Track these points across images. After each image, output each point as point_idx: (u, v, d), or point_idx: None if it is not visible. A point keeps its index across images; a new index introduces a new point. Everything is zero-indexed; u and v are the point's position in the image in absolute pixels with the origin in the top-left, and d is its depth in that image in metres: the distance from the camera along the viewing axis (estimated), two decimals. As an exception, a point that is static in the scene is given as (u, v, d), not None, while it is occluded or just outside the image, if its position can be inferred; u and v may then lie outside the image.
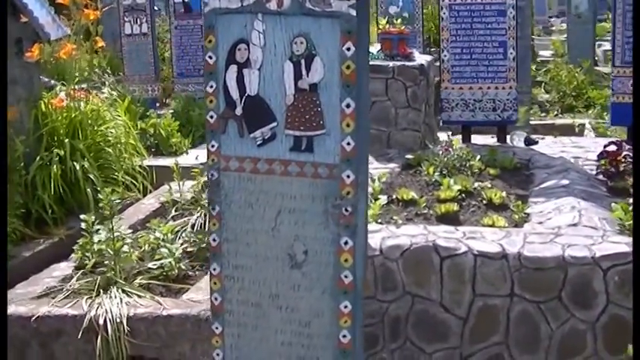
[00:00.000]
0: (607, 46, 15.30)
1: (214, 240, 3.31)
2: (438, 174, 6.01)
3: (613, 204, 5.04)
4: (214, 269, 3.33)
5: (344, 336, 3.18)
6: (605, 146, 6.07)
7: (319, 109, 3.07)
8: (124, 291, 5.20)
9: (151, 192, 7.50)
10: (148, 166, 7.74)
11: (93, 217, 5.98)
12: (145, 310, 4.95)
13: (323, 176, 3.10)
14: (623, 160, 5.74)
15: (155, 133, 8.65)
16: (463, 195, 5.49)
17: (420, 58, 7.35)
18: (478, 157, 6.25)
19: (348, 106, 3.03)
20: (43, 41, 7.34)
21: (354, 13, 2.97)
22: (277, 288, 3.25)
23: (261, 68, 3.14)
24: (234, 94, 3.18)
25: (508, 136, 7.53)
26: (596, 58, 15.01)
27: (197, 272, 5.65)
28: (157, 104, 11.05)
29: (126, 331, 4.85)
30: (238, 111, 3.19)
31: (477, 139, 7.56)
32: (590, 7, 14.66)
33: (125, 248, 5.65)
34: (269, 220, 3.21)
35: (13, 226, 6.34)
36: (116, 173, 7.41)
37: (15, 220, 6.36)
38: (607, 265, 4.31)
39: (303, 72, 3.08)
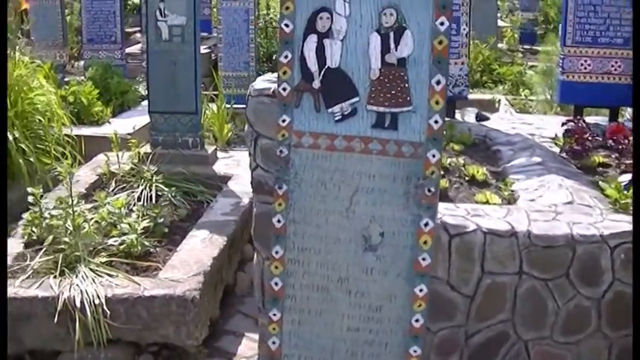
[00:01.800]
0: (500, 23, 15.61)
1: (279, 221, 3.11)
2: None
3: (601, 182, 5.07)
4: (276, 252, 3.14)
5: (416, 320, 3.08)
6: (563, 124, 6.12)
7: (406, 84, 2.93)
8: (92, 270, 4.91)
9: (80, 163, 7.14)
10: (75, 135, 7.37)
11: (41, 190, 5.67)
12: (124, 290, 4.70)
13: (406, 155, 2.97)
14: (589, 138, 5.79)
15: (75, 102, 8.24)
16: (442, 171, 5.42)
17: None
18: (438, 132, 6.17)
19: (438, 82, 2.91)
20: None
21: (449, -14, 2.84)
22: (347, 271, 3.10)
23: (344, 39, 2.96)
24: (313, 65, 3.00)
25: (458, 112, 7.50)
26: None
27: (158, 249, 5.41)
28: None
29: (105, 313, 4.58)
30: (316, 84, 3.01)
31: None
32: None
33: (84, 224, 5.38)
34: (343, 200, 3.06)
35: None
36: (46, 143, 7.03)
37: None
38: (614, 243, 4.30)
39: (392, 45, 2.93)
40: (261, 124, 4.25)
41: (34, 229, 5.53)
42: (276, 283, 3.18)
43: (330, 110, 3.01)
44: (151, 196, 6.19)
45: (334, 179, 3.04)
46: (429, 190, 2.96)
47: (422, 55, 2.90)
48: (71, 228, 5.28)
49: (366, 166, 3.01)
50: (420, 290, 3.04)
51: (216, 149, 7.25)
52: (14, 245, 5.43)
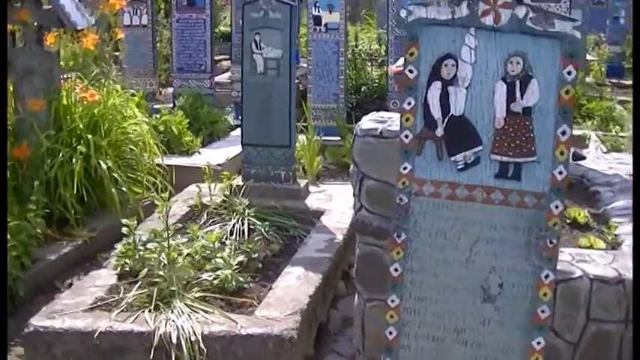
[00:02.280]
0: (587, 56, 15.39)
1: (396, 270, 3.06)
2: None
3: None
4: (392, 301, 3.09)
5: (532, 373, 2.98)
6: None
7: (531, 134, 2.87)
8: (188, 305, 4.89)
9: (171, 193, 7.17)
10: (166, 165, 7.41)
11: (135, 222, 5.70)
12: (221, 327, 4.65)
13: (529, 206, 2.90)
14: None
15: (166, 131, 8.30)
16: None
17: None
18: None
19: (563, 133, 2.84)
20: (62, 30, 7.02)
21: (578, 35, 2.77)
22: (464, 322, 3.04)
23: (469, 87, 2.91)
24: (436, 113, 2.95)
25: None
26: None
27: (252, 285, 5.37)
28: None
29: (202, 350, 4.55)
30: (439, 132, 2.96)
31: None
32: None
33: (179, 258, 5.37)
34: (463, 250, 2.99)
35: (39, 227, 5.96)
36: (138, 173, 7.08)
37: (40, 220, 5.97)
38: None
39: (517, 94, 2.88)
40: (368, 165, 4.21)
41: (127, 260, 5.54)
42: (390, 332, 3.13)
43: (452, 159, 2.96)
44: (243, 229, 6.17)
45: (454, 228, 2.99)
46: (551, 242, 2.89)
47: (548, 104, 2.84)
48: (166, 261, 5.28)
49: (487, 216, 2.95)
50: (538, 343, 2.97)
51: (308, 183, 7.22)
52: (107, 277, 5.43)
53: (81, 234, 6.42)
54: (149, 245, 5.42)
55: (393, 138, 4.14)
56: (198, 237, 5.73)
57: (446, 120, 2.95)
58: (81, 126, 6.81)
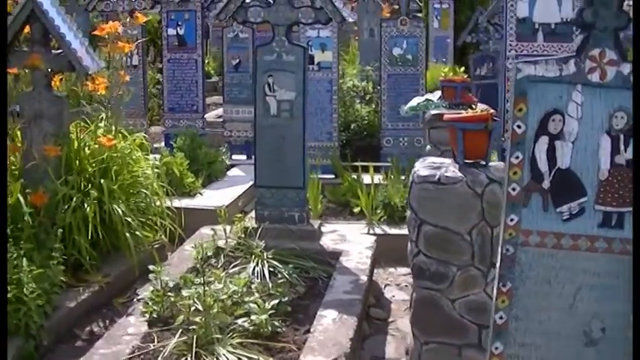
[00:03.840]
0: None
1: (501, 318, 3.08)
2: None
3: None
4: (496, 348, 3.11)
5: (634, 415, 3.01)
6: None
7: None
8: (230, 352, 4.87)
9: (181, 235, 7.14)
10: (175, 207, 7.37)
11: (161, 267, 5.67)
12: (273, 377, 4.64)
13: (632, 253, 2.93)
14: None
15: (167, 173, 8.25)
16: None
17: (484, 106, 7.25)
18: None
19: (665, 182, 2.88)
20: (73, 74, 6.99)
21: (680, 90, 2.84)
22: (567, 366, 3.07)
23: (575, 141, 2.95)
24: (543, 166, 3.00)
25: None
26: None
27: (284, 329, 5.35)
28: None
29: (258, 402, 4.53)
30: (546, 184, 3.01)
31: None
32: None
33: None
34: (567, 297, 3.04)
35: (60, 275, 5.88)
36: (148, 216, 7.04)
37: (61, 268, 5.90)
38: None
39: (621, 147, 2.94)
40: (426, 211, 4.25)
41: (155, 307, 5.50)
42: (496, 378, 3.14)
43: (558, 210, 3.00)
44: (263, 272, 6.15)
45: (559, 277, 3.03)
46: (651, 285, 2.93)
47: (650, 156, 2.90)
48: (201, 307, 5.25)
49: (591, 264, 3.00)
50: (637, 382, 3.00)
51: (320, 224, 7.22)
52: (137, 324, 5.38)
53: (96, 279, 6.34)
54: (184, 292, 5.37)
55: (451, 184, 4.19)
56: (221, 280, 5.69)
57: (552, 173, 2.99)
58: (90, 170, 6.75)
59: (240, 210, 8.22)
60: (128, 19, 7.37)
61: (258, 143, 6.94)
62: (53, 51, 6.83)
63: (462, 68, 6.73)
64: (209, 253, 6.57)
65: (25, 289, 5.37)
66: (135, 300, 5.92)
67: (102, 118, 7.29)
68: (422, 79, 10.05)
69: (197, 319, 5.15)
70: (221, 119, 12.11)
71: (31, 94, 6.78)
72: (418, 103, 6.45)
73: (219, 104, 14.53)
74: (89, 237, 6.35)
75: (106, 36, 7.02)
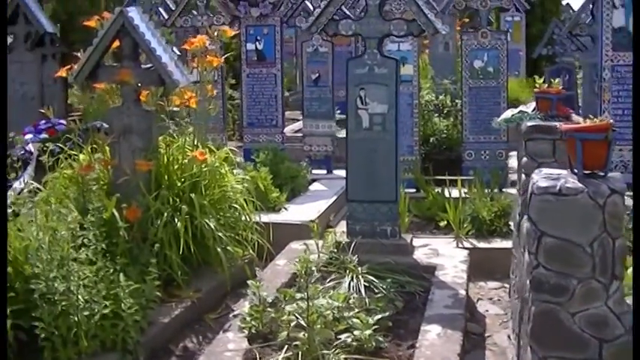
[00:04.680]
0: None
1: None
2: None
3: None
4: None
5: None
6: None
7: None
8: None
9: (269, 250, 7.06)
10: (264, 223, 7.30)
11: (259, 282, 5.60)
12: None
13: None
14: None
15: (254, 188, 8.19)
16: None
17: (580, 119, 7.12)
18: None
19: None
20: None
21: None
22: None
23: None
24: None
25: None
26: None
27: (387, 344, 5.25)
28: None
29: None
30: None
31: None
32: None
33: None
34: None
35: (156, 290, 5.81)
36: (239, 231, 6.97)
37: (157, 283, 5.83)
38: None
39: None
40: (546, 222, 4.12)
41: (254, 322, 5.42)
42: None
43: None
44: (358, 287, 6.05)
45: None
46: None
47: None
48: (304, 323, 5.16)
49: None
50: None
51: (412, 238, 7.11)
52: (236, 340, 5.33)
53: (188, 295, 6.28)
54: (287, 307, 5.28)
55: (572, 195, 4.07)
56: (318, 296, 5.58)
57: None
58: (179, 184, 6.71)
59: (326, 224, 8.15)
60: (216, 33, 7.31)
61: (350, 157, 6.87)
62: (143, 65, 6.81)
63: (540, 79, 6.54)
64: (302, 268, 6.49)
65: (122, 305, 5.32)
66: (231, 315, 5.87)
67: (189, 132, 7.22)
68: (503, 91, 9.89)
69: (300, 335, 5.07)
70: (298, 134, 12.08)
71: (120, 109, 6.77)
72: (512, 115, 6.30)
73: (291, 119, 14.53)
74: (180, 252, 6.29)
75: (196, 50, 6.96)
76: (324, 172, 10.84)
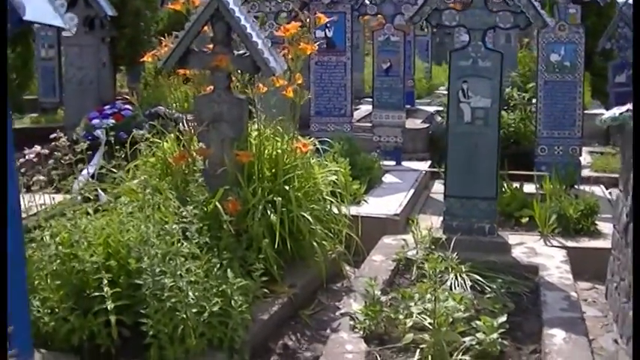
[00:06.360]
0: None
1: None
2: None
3: None
4: None
5: None
6: None
7: None
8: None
9: (358, 245, 6.86)
10: (352, 216, 7.10)
11: (374, 281, 5.43)
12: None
13: None
14: None
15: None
16: None
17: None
18: None
19: None
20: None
21: None
22: None
23: None
24: None
25: None
26: None
27: (508, 348, 5.07)
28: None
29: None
30: None
31: None
32: None
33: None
34: None
35: (260, 288, 5.61)
36: (329, 224, 6.76)
37: (262, 279, 5.62)
38: None
39: None
40: None
41: (368, 321, 5.25)
42: None
43: None
44: (465, 286, 5.89)
45: None
46: None
47: None
48: (429, 325, 4.99)
49: None
50: None
51: (508, 236, 6.94)
52: (352, 340, 5.18)
53: (283, 290, 6.08)
54: (414, 308, 5.11)
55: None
56: (436, 298, 5.39)
57: None
58: (270, 175, 6.51)
59: (407, 217, 7.98)
60: (307, 20, 7.08)
61: (450, 151, 6.71)
62: (236, 52, 6.60)
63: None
64: (396, 265, 6.34)
65: (232, 302, 5.13)
66: (337, 314, 5.70)
67: (278, 121, 7.00)
68: (580, 86, 9.69)
69: (427, 337, 4.90)
70: (364, 123, 11.90)
71: (210, 97, 6.55)
72: (620, 114, 6.09)
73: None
74: (275, 246, 6.09)
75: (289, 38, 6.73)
76: (394, 163, 10.67)
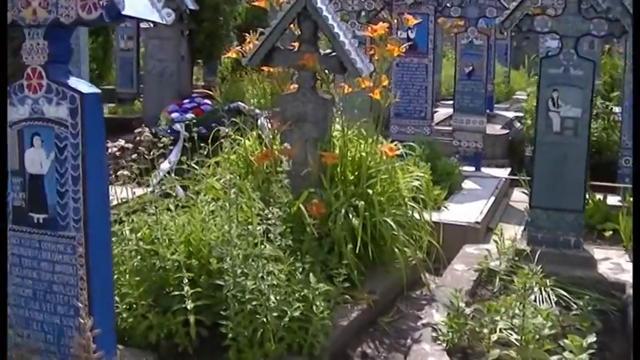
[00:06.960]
0: None
1: None
2: None
3: None
4: None
5: None
6: None
7: None
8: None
9: (439, 253, 6.71)
10: (434, 222, 6.96)
11: (459, 292, 5.29)
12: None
13: None
14: None
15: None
16: None
17: None
18: None
19: None
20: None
21: None
22: None
23: None
24: None
25: None
26: None
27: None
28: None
29: None
30: None
31: None
32: None
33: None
34: None
35: (341, 293, 5.50)
36: (411, 230, 6.63)
37: (344, 285, 5.50)
38: None
39: None
40: None
41: (452, 334, 5.12)
42: None
43: None
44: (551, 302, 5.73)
45: None
46: None
47: None
48: (516, 341, 4.86)
49: None
50: None
51: (593, 250, 6.76)
52: (434, 353, 5.02)
53: (362, 296, 5.96)
54: (501, 323, 4.97)
55: None
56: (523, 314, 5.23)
57: None
58: (351, 178, 6.40)
59: (487, 225, 7.83)
60: (395, 21, 6.98)
61: (537, 161, 6.54)
62: (322, 52, 6.51)
63: None
64: (479, 276, 6.20)
65: (314, 307, 5.04)
66: (419, 324, 5.57)
67: (362, 123, 6.88)
68: (668, 96, 9.39)
69: (513, 354, 4.76)
70: (444, 127, 11.78)
71: (294, 96, 6.46)
72: None
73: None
74: (356, 251, 5.98)
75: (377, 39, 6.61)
76: (473, 169, 10.51)
